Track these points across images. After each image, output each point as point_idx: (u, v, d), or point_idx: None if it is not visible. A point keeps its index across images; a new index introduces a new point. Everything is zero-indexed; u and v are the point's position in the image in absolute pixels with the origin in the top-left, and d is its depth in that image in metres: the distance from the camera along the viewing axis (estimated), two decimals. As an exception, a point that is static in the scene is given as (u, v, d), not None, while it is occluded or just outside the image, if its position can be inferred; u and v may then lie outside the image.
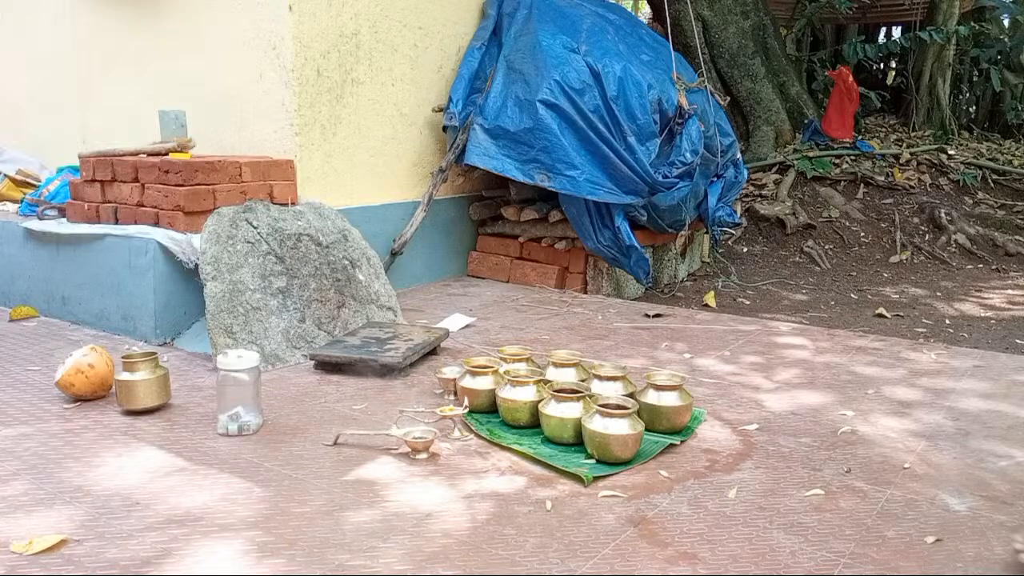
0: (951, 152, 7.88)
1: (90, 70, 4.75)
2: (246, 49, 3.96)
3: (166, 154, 3.61)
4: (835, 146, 7.80)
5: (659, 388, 2.43)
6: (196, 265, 3.21)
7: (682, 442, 2.37)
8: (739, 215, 6.14)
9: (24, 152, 5.10)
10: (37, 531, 1.80)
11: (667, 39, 5.18)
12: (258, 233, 3.30)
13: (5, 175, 4.72)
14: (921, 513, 1.97)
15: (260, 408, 2.46)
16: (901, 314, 4.86)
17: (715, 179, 5.20)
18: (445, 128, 4.63)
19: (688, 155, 4.60)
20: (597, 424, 2.20)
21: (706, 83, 5.20)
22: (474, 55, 4.68)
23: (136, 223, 3.49)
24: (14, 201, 4.48)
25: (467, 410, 2.49)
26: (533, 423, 2.42)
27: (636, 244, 4.52)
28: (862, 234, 6.67)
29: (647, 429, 2.30)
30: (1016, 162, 7.89)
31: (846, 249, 6.50)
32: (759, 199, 7.00)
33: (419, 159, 4.62)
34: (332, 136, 4.09)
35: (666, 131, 4.63)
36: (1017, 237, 6.67)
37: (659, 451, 2.29)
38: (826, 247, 6.48)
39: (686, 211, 4.89)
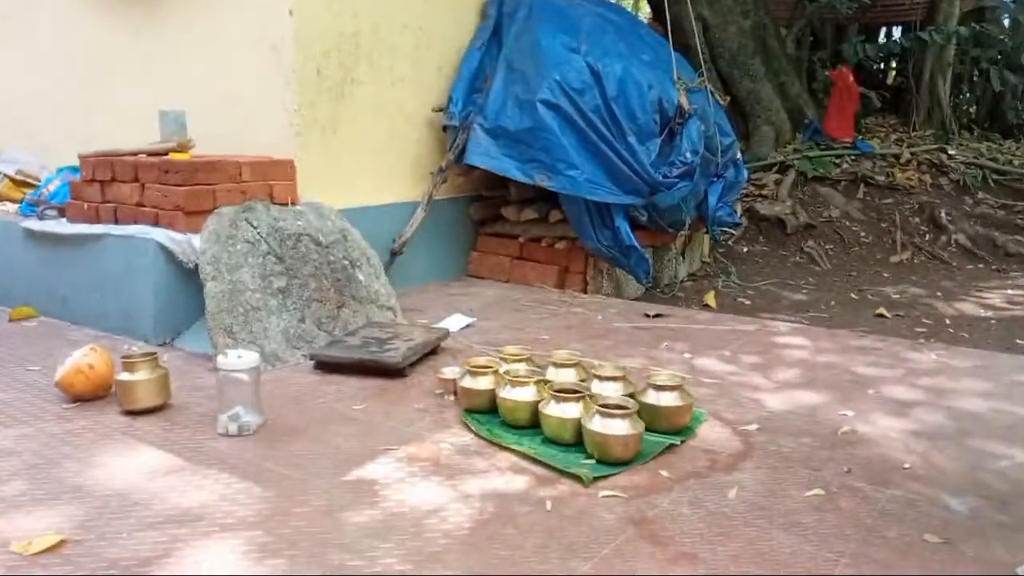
0: (951, 152, 7.87)
1: (91, 70, 4.75)
2: (246, 49, 3.96)
3: (166, 154, 3.61)
4: (835, 146, 7.79)
5: (659, 388, 2.43)
6: (196, 265, 3.21)
7: (682, 442, 2.37)
8: (739, 215, 6.14)
9: (24, 152, 5.10)
10: (37, 531, 1.80)
11: (667, 39, 5.17)
12: (258, 233, 3.30)
13: (5, 175, 4.71)
14: (921, 513, 1.97)
15: (260, 408, 2.45)
16: (901, 314, 4.86)
17: (715, 179, 5.19)
18: (445, 128, 4.63)
19: (688, 155, 4.59)
20: (597, 424, 2.20)
21: (706, 83, 5.20)
22: (474, 55, 4.68)
23: (136, 223, 3.49)
24: (14, 201, 4.47)
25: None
26: (533, 423, 2.42)
27: (636, 244, 4.52)
28: (862, 234, 6.67)
29: (647, 429, 2.30)
30: (1016, 162, 7.88)
31: (846, 249, 6.50)
32: (759, 199, 7.00)
33: (419, 159, 4.62)
34: (332, 136, 4.09)
35: (666, 131, 4.63)
36: (1017, 237, 6.67)
37: (659, 451, 2.29)
38: (826, 247, 6.48)
39: (686, 211, 4.89)
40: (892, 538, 1.85)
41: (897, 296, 5.38)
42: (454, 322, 3.69)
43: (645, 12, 11.93)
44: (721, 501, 2.02)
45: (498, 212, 4.91)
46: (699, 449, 2.35)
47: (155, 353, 2.64)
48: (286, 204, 3.64)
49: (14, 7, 5.22)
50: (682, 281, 5.43)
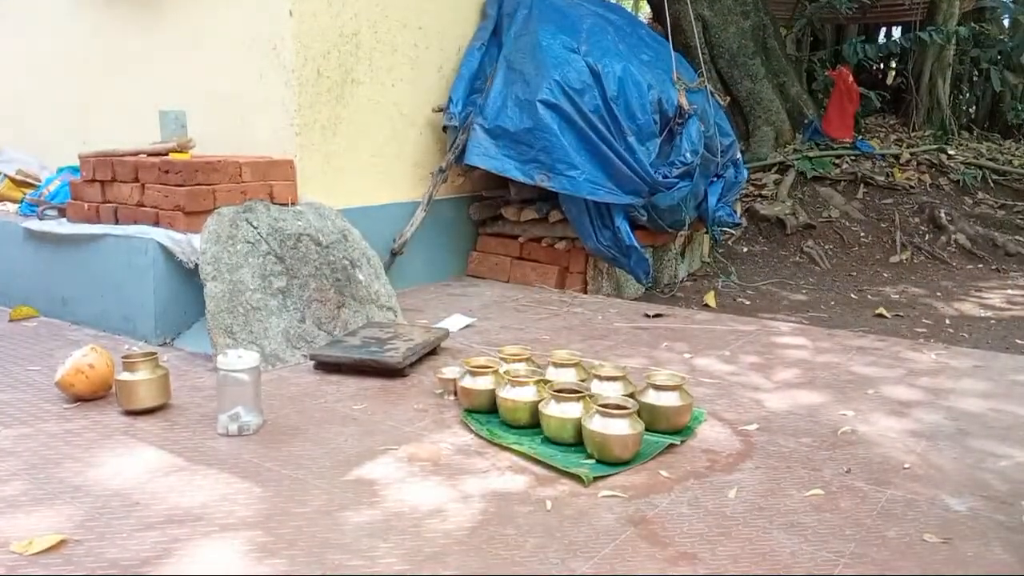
0: (951, 152, 7.87)
1: (91, 70, 4.75)
2: (246, 49, 3.96)
3: (166, 154, 3.61)
4: (835, 146, 7.80)
5: (659, 388, 2.43)
6: (196, 265, 3.21)
7: (682, 442, 2.37)
8: (739, 215, 6.14)
9: (24, 152, 5.10)
10: (37, 531, 1.80)
11: (667, 39, 5.18)
12: (258, 233, 3.30)
13: (5, 175, 4.72)
14: (921, 513, 1.97)
15: (260, 408, 2.46)
16: (901, 314, 4.86)
17: (715, 179, 5.19)
18: (445, 128, 4.63)
19: (688, 155, 4.60)
20: (597, 424, 2.20)
21: (706, 83, 5.20)
22: (474, 55, 4.68)
23: (136, 223, 3.49)
24: (14, 201, 4.47)
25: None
26: (533, 423, 2.42)
27: (636, 244, 4.52)
28: (862, 234, 6.67)
29: (647, 429, 2.30)
30: (1016, 162, 7.89)
31: (846, 249, 6.50)
32: (759, 199, 7.00)
33: (419, 159, 4.62)
34: (332, 136, 4.09)
35: (666, 131, 4.63)
36: (1017, 237, 6.67)
37: (659, 451, 2.29)
38: (826, 247, 6.48)
39: (686, 211, 4.89)
40: (892, 538, 1.85)
41: (897, 296, 5.38)
42: (454, 322, 3.69)
43: (645, 12, 11.94)
44: (721, 501, 2.02)
45: (498, 212, 4.91)
46: (699, 449, 2.35)
47: (155, 353, 2.64)
48: (286, 204, 3.64)
49: (13, 6, 5.23)
50: (682, 281, 5.43)
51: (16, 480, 2.07)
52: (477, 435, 2.42)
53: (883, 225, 6.78)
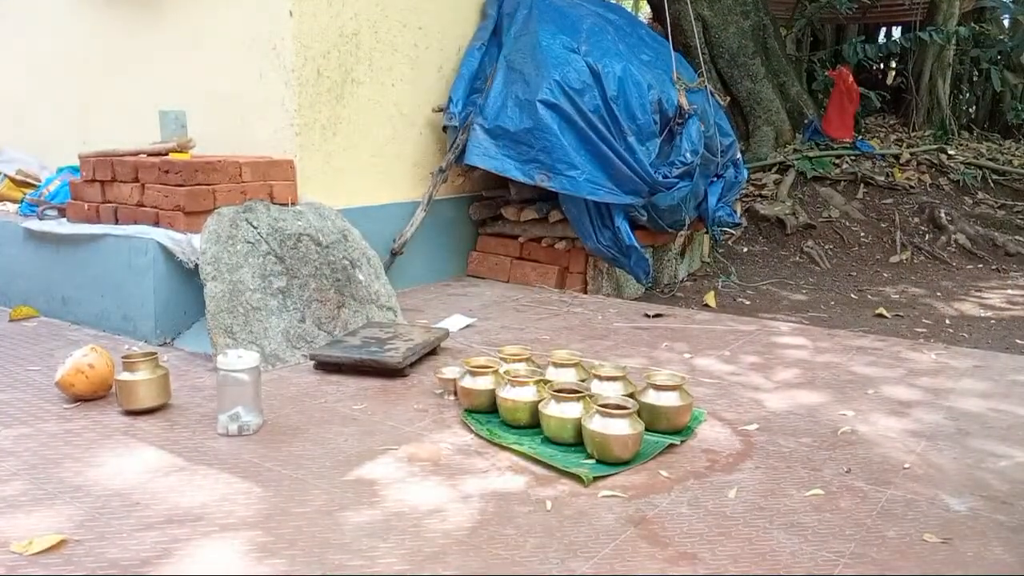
0: (951, 152, 7.87)
1: (91, 70, 4.75)
2: (246, 49, 3.96)
3: (166, 154, 3.61)
4: (835, 146, 7.80)
5: (659, 388, 2.43)
6: (196, 265, 3.21)
7: (682, 442, 2.37)
8: (739, 215, 6.14)
9: (24, 152, 5.10)
10: (37, 531, 1.80)
11: (667, 39, 5.18)
12: (258, 233, 3.30)
13: (5, 175, 4.72)
14: (921, 513, 1.97)
15: (260, 408, 2.46)
16: (901, 314, 4.86)
17: (715, 179, 5.19)
18: (445, 128, 4.63)
19: (688, 155, 4.60)
20: (597, 424, 2.20)
21: (706, 83, 5.20)
22: (474, 55, 4.68)
23: (136, 223, 3.49)
24: (14, 201, 4.48)
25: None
26: (533, 423, 2.42)
27: (636, 244, 4.52)
28: (862, 234, 6.67)
29: (647, 429, 2.30)
30: (1016, 162, 7.89)
31: (846, 249, 6.50)
32: (759, 199, 7.00)
33: (419, 159, 4.62)
34: (332, 136, 4.09)
35: (666, 131, 4.63)
36: (1017, 237, 6.67)
37: (659, 451, 2.29)
38: (826, 247, 6.48)
39: (686, 211, 4.89)
40: (892, 538, 1.85)
41: (897, 296, 5.39)
42: (454, 322, 3.69)
43: (645, 12, 11.94)
44: (721, 501, 2.02)
45: (498, 212, 4.91)
46: (699, 449, 2.35)
47: (155, 353, 2.64)
48: (286, 204, 3.64)
49: (13, 6, 5.23)
50: (682, 281, 5.43)
51: (16, 480, 2.07)
52: (477, 435, 2.42)
53: (883, 225, 6.78)
